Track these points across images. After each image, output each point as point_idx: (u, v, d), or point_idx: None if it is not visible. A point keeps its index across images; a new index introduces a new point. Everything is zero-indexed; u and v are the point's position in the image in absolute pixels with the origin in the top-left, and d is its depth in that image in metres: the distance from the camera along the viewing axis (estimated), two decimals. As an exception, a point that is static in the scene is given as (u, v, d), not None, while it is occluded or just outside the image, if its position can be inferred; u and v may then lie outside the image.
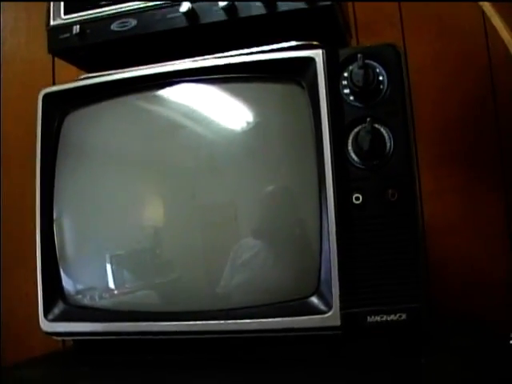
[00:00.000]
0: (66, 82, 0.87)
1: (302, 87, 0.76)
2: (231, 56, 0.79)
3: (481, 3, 0.83)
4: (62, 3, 0.87)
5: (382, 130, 0.73)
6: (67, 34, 0.85)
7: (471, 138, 1.19)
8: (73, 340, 0.89)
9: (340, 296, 0.70)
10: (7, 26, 1.42)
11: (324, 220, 0.72)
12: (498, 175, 1.18)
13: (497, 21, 0.80)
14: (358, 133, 0.73)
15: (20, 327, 1.26)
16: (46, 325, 0.82)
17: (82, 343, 0.86)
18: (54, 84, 1.29)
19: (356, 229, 0.71)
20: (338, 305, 0.70)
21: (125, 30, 0.83)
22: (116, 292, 0.83)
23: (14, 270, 1.30)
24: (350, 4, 1.17)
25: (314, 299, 0.72)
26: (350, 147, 0.73)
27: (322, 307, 0.71)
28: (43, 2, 0.90)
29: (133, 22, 0.83)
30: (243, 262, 0.77)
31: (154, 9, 0.82)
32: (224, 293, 0.78)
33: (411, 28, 1.25)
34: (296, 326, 0.72)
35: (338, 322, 0.70)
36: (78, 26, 0.84)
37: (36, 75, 1.35)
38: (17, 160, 1.31)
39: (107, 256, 0.84)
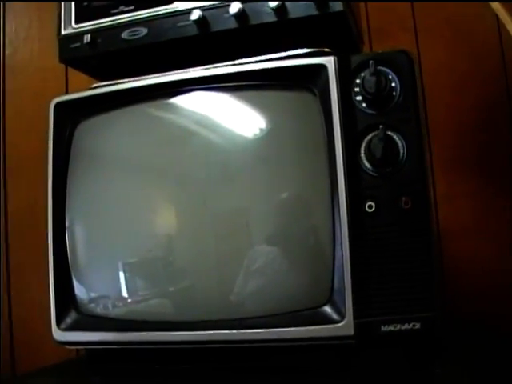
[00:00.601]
0: (79, 90, 0.87)
1: (314, 94, 0.75)
2: (243, 64, 0.79)
3: (495, 8, 0.82)
4: (73, 13, 0.87)
5: (394, 137, 0.72)
6: (78, 43, 0.85)
7: (484, 141, 1.18)
8: (85, 349, 0.89)
9: (353, 305, 0.70)
10: (20, 34, 1.42)
11: (337, 228, 0.72)
12: (511, 178, 1.17)
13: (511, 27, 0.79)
14: (370, 140, 0.72)
15: (34, 335, 1.26)
16: (58, 334, 0.82)
17: (95, 352, 0.86)
18: (67, 92, 1.30)
19: (369, 237, 0.71)
20: (352, 314, 0.69)
21: (136, 39, 0.83)
22: (129, 300, 0.83)
23: (28, 278, 1.30)
24: (362, 8, 1.17)
25: (328, 308, 0.71)
26: (362, 154, 0.73)
27: (335, 316, 0.70)
28: (56, 11, 0.90)
29: (143, 31, 0.83)
30: (257, 268, 0.77)
31: (165, 17, 0.82)
32: (237, 300, 0.78)
33: (424, 31, 1.24)
34: (309, 335, 0.71)
35: (351, 332, 0.69)
36: (88, 35, 0.84)
37: (49, 83, 1.35)
38: (28, 167, 1.31)
39: (119, 264, 0.84)
